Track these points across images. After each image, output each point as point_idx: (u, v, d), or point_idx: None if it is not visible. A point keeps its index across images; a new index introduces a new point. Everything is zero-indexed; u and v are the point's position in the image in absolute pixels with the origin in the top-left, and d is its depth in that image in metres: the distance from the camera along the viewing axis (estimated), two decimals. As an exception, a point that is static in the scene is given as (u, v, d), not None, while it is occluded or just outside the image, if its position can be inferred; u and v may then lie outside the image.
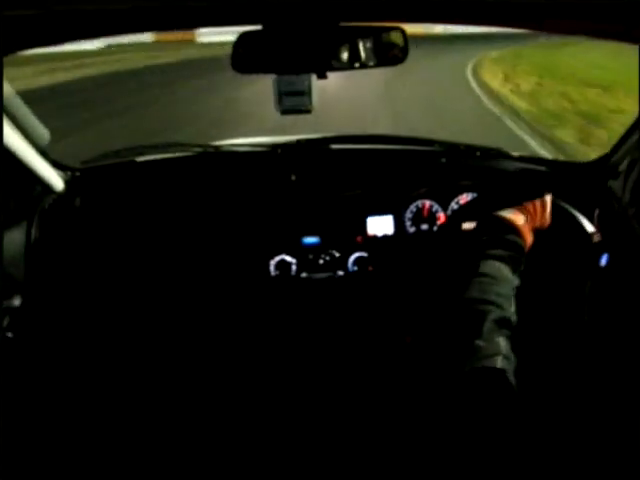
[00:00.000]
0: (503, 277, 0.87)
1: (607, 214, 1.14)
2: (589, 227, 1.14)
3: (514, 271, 0.89)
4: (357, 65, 0.97)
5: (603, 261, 1.11)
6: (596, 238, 1.13)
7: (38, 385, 1.26)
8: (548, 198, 1.05)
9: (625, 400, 0.92)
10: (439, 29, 26.06)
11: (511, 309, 0.84)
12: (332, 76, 1.01)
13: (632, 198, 1.05)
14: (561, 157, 4.97)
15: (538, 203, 1.02)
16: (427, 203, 1.42)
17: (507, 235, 0.94)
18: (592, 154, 1.76)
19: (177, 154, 1.50)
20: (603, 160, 1.30)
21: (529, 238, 0.97)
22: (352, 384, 1.35)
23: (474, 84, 11.23)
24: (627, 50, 0.97)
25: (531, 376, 1.20)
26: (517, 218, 0.96)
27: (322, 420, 1.29)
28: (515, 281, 0.89)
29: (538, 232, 1.38)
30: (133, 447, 1.26)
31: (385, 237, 1.42)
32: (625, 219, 1.05)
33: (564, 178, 1.37)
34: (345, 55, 0.96)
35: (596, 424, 0.99)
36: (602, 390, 1.00)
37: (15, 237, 1.23)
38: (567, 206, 1.23)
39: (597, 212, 1.20)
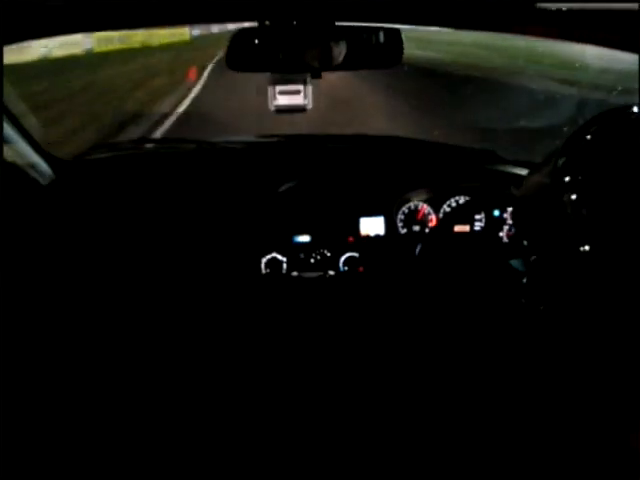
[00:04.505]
0: None
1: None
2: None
3: None
4: (352, 65, 0.97)
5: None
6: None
7: (32, 382, 1.25)
8: None
9: (624, 394, 0.93)
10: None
11: None
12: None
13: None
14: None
15: None
16: (420, 205, 1.43)
17: None
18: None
19: (170, 149, 1.49)
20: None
21: None
22: (341, 384, 1.35)
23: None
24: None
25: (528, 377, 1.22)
26: None
27: (313, 417, 1.30)
28: None
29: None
30: (120, 446, 1.25)
31: (377, 238, 1.42)
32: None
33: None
34: (340, 55, 0.95)
35: (599, 421, 1.00)
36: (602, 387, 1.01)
37: (5, 229, 1.22)
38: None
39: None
